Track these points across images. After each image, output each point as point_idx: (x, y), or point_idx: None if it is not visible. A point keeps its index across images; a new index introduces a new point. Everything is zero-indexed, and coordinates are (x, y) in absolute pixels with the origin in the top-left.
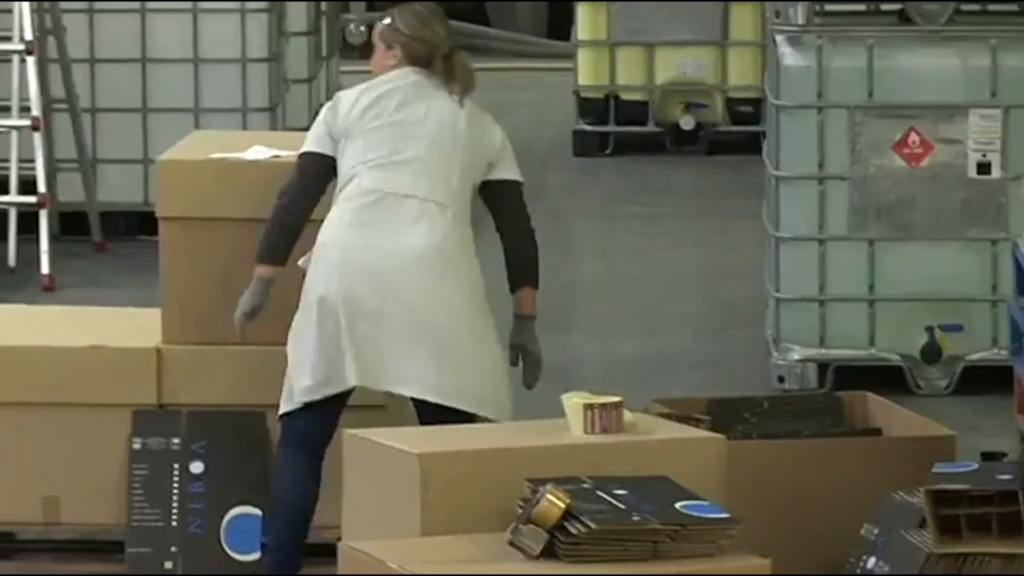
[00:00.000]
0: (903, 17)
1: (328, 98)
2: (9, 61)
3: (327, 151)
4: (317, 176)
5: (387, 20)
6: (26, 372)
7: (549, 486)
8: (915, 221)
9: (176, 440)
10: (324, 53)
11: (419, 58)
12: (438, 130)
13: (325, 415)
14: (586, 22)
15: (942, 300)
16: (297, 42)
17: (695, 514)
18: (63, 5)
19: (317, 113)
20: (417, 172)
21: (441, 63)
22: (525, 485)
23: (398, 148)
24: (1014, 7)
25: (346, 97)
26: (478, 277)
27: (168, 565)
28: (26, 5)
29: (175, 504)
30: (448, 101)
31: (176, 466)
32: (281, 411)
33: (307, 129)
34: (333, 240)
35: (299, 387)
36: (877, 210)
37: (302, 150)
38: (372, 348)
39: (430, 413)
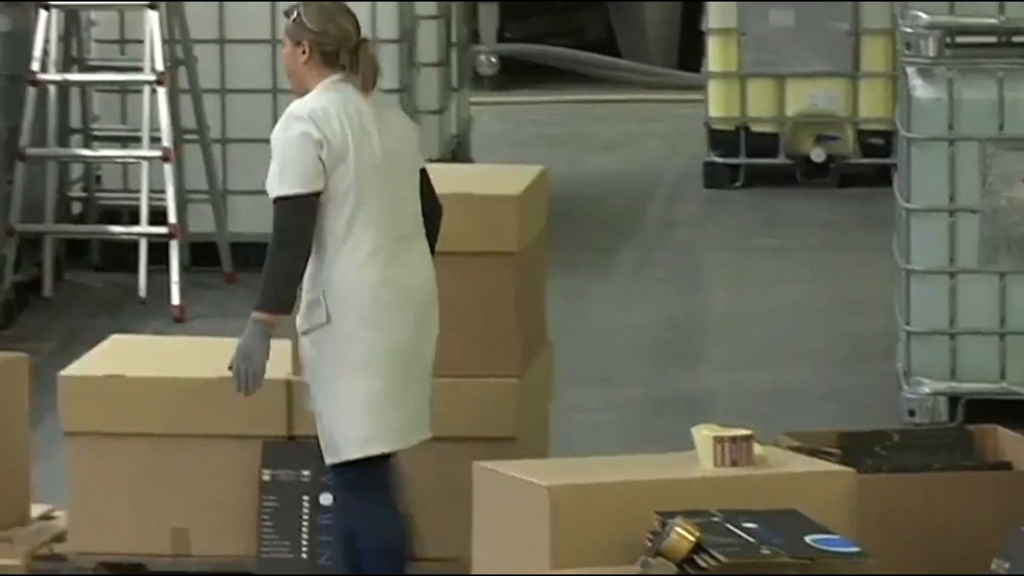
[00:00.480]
0: None
1: (459, 129)
2: (140, 92)
3: (321, 187)
4: (315, 215)
5: (292, 16)
6: (156, 403)
7: (678, 519)
8: None
9: (306, 472)
10: (454, 84)
11: (328, 53)
12: (407, 156)
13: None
14: (717, 53)
15: None
16: (427, 73)
17: (825, 548)
18: (195, 36)
19: (451, 143)
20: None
21: (348, 56)
22: (654, 518)
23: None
24: None
25: (327, 126)
26: None
27: None
28: (157, 36)
29: (305, 536)
30: (399, 117)
31: (306, 498)
32: (363, 454)
33: (438, 161)
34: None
35: (389, 428)
36: (1008, 243)
37: (300, 191)
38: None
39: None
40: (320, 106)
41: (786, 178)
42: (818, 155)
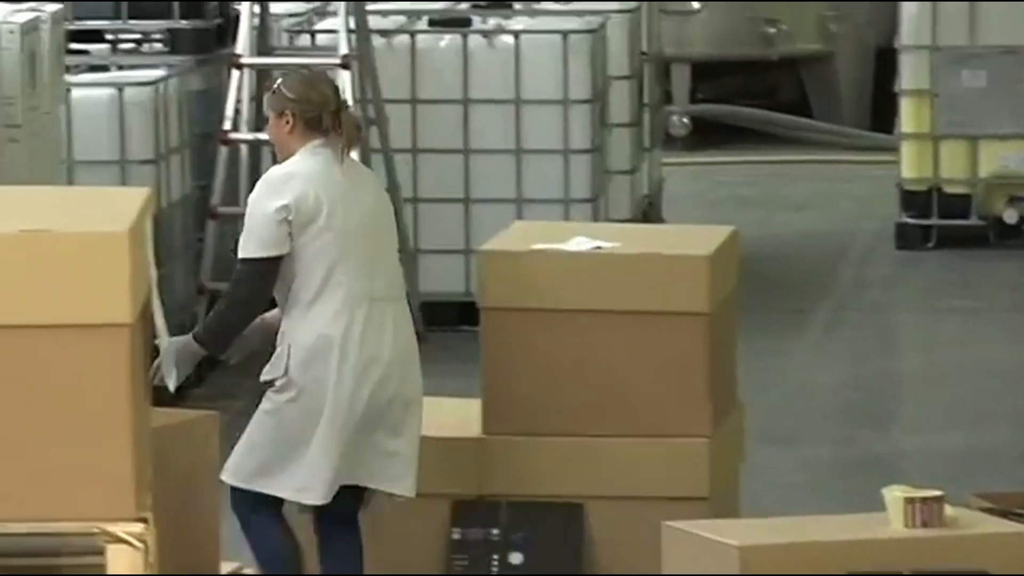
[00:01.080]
0: None
1: (650, 189)
2: None
3: (282, 251)
4: (274, 280)
5: (273, 89)
6: None
7: None
8: None
9: (496, 531)
10: (646, 144)
11: (311, 119)
12: (381, 219)
13: None
14: (910, 115)
15: None
16: (619, 133)
17: None
18: (386, 95)
19: (642, 203)
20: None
21: (330, 119)
22: None
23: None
24: None
25: (297, 191)
26: None
27: None
28: (350, 95)
29: None
30: (373, 182)
31: (495, 557)
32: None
33: (629, 221)
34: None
35: (323, 480)
36: None
37: (257, 255)
38: None
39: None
40: (294, 170)
41: (978, 239)
42: (1011, 216)
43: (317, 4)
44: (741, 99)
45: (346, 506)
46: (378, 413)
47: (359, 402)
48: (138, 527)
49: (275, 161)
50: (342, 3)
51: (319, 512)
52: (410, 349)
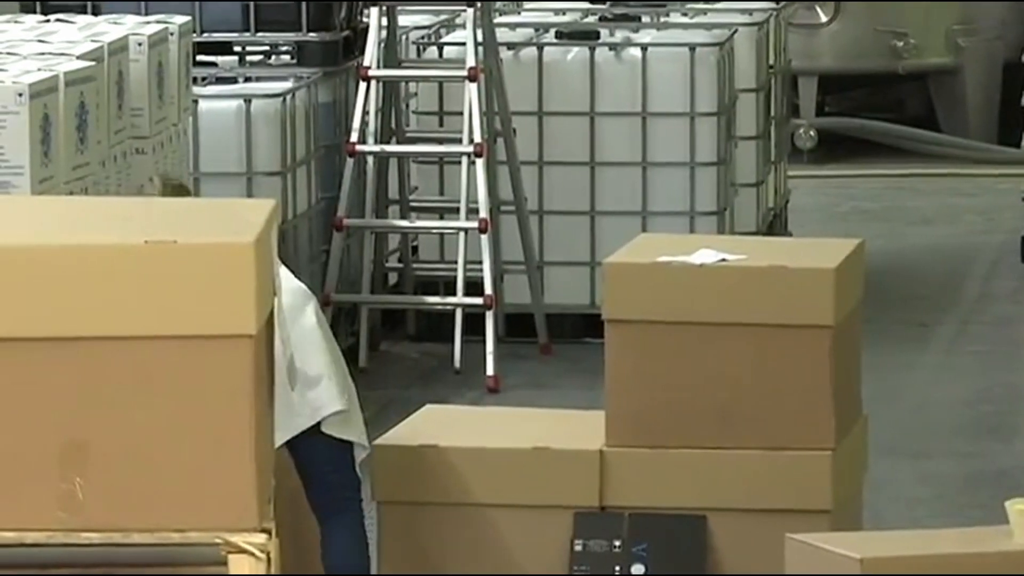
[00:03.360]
0: None
1: (776, 202)
2: (458, 163)
3: None
4: None
5: None
6: (469, 473)
7: None
8: None
9: (617, 542)
10: (773, 157)
11: None
12: None
13: None
14: None
15: None
16: (746, 146)
17: None
18: (513, 108)
19: (768, 216)
20: None
21: None
22: None
23: None
24: None
25: None
26: None
27: None
28: (476, 108)
29: None
30: None
31: (617, 568)
32: None
33: (754, 234)
34: None
35: None
36: None
37: None
38: None
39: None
40: None
41: None
42: None
43: (445, 16)
44: (868, 112)
45: None
46: None
47: None
48: (260, 538)
49: (401, 173)
50: (470, 15)
51: None
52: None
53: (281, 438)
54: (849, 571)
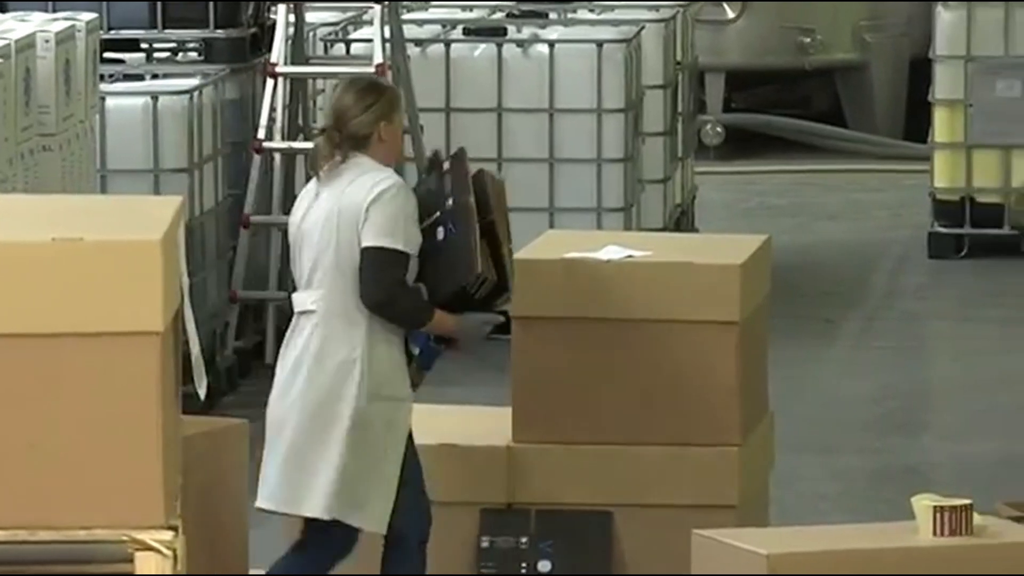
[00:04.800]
0: None
1: (683, 198)
2: None
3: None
4: None
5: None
6: None
7: None
8: None
9: (524, 539)
10: (679, 154)
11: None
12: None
13: None
14: (943, 124)
15: None
16: (653, 142)
17: None
18: (420, 104)
19: (675, 212)
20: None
21: None
22: None
23: None
24: None
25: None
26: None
27: None
28: None
29: None
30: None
31: (524, 565)
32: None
33: (662, 229)
34: None
35: None
36: None
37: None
38: None
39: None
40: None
41: (1011, 249)
42: None
43: (352, 13)
44: (775, 108)
45: None
46: (283, 422)
47: (272, 414)
48: (167, 535)
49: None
50: (377, 12)
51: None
52: (304, 363)
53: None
54: (755, 567)
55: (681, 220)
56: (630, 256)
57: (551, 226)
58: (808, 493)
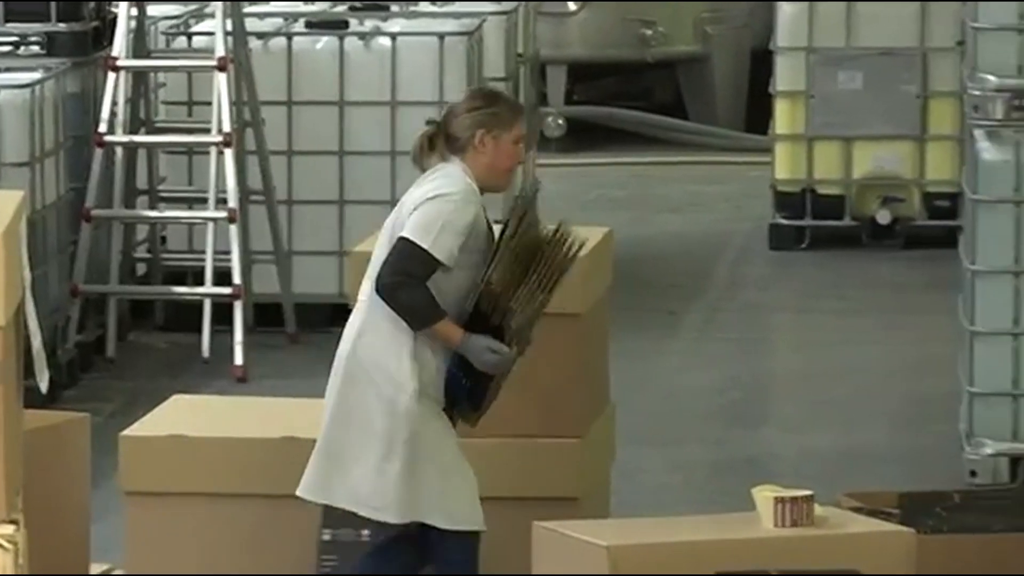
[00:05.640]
0: None
1: (525, 191)
2: (207, 153)
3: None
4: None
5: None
6: (218, 463)
7: None
8: None
9: (366, 532)
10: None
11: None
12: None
13: None
14: (784, 116)
15: None
16: None
17: None
18: (262, 98)
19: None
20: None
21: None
22: None
23: None
24: None
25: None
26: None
27: None
28: (225, 97)
29: None
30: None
31: None
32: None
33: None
34: None
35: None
36: None
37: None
38: None
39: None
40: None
41: (852, 240)
42: (884, 217)
43: (194, 7)
44: (617, 101)
45: None
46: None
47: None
48: (8, 529)
49: (150, 163)
50: (219, 6)
51: None
52: (344, 359)
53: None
54: (596, 559)
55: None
56: None
57: None
58: (650, 484)
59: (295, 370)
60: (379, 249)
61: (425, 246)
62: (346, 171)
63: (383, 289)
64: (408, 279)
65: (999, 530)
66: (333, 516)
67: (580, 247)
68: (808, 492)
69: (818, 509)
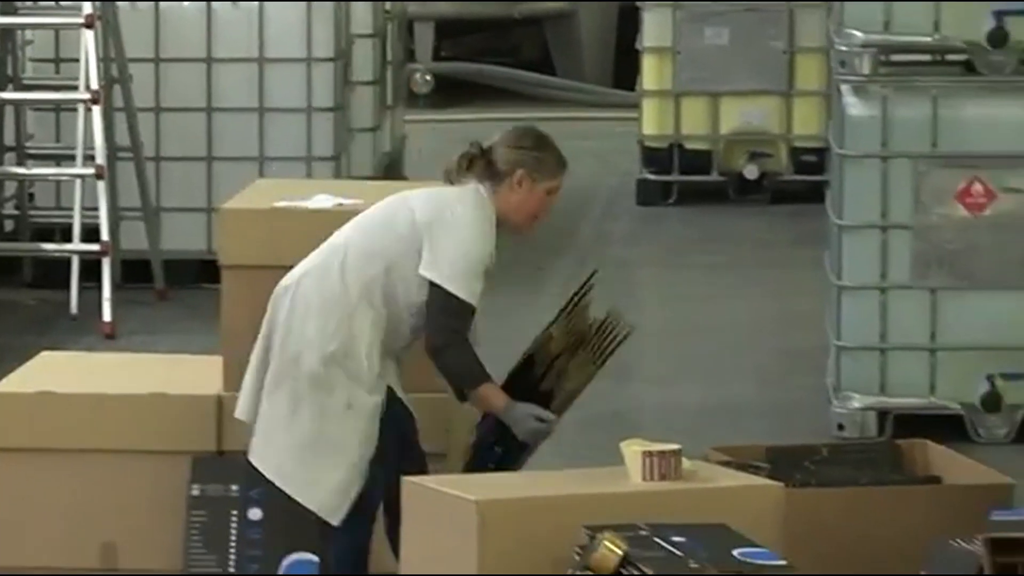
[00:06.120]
0: (968, 67)
1: (392, 147)
2: (75, 110)
3: None
4: None
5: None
6: (87, 419)
7: (606, 533)
8: (977, 270)
9: (235, 487)
10: (389, 102)
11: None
12: None
13: None
14: (651, 72)
15: (1003, 349)
16: (362, 91)
17: (752, 561)
18: (130, 54)
19: (384, 160)
20: None
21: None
22: (582, 532)
23: None
24: None
25: None
26: None
27: None
28: (93, 54)
29: (233, 550)
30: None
31: (234, 513)
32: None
33: (371, 178)
34: None
35: None
36: (939, 259)
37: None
38: None
39: None
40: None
41: (719, 195)
42: (751, 172)
43: None
44: (485, 57)
45: None
46: None
47: None
48: None
49: (18, 120)
50: None
51: None
52: None
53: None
54: (465, 513)
55: (390, 168)
56: (340, 204)
57: (261, 175)
58: None
59: (164, 326)
60: (367, 221)
61: (467, 299)
62: (214, 128)
63: (430, 350)
64: (455, 336)
65: (866, 483)
66: (202, 471)
67: (629, 332)
68: (676, 446)
69: (686, 463)
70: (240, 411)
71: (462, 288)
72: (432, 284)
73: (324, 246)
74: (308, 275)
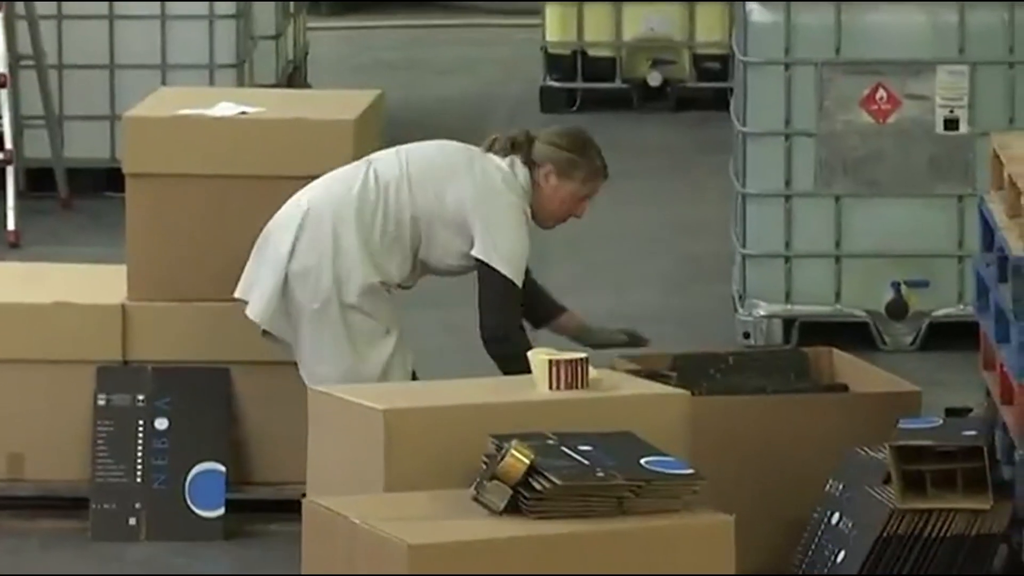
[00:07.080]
0: None
1: (295, 55)
2: None
3: None
4: None
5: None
6: None
7: (513, 442)
8: (882, 177)
9: (141, 396)
10: (291, 10)
11: None
12: None
13: None
14: None
15: (908, 256)
16: None
17: (659, 470)
18: None
19: (287, 68)
20: None
21: None
22: (489, 441)
23: None
24: None
25: None
26: None
27: (132, 521)
28: None
29: (139, 460)
30: None
31: (141, 422)
32: None
33: (274, 86)
34: None
35: None
36: (844, 166)
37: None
38: None
39: None
40: None
41: (623, 102)
42: (654, 79)
43: None
44: None
45: None
46: None
47: None
48: None
49: None
50: None
51: None
52: None
53: None
54: (371, 421)
55: (294, 76)
56: (243, 112)
57: (163, 83)
58: (424, 348)
59: (68, 236)
60: (417, 171)
61: (518, 282)
62: (116, 35)
63: (492, 339)
64: (515, 321)
65: (773, 391)
66: (107, 380)
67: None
68: (583, 355)
69: (593, 372)
70: (257, 314)
71: (514, 272)
72: (491, 269)
73: (363, 178)
74: (347, 205)
